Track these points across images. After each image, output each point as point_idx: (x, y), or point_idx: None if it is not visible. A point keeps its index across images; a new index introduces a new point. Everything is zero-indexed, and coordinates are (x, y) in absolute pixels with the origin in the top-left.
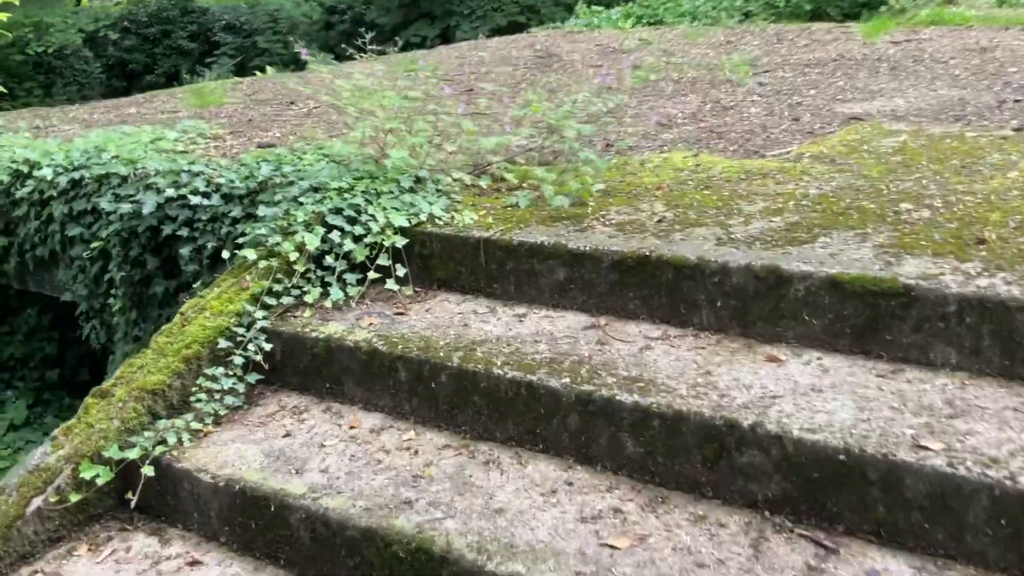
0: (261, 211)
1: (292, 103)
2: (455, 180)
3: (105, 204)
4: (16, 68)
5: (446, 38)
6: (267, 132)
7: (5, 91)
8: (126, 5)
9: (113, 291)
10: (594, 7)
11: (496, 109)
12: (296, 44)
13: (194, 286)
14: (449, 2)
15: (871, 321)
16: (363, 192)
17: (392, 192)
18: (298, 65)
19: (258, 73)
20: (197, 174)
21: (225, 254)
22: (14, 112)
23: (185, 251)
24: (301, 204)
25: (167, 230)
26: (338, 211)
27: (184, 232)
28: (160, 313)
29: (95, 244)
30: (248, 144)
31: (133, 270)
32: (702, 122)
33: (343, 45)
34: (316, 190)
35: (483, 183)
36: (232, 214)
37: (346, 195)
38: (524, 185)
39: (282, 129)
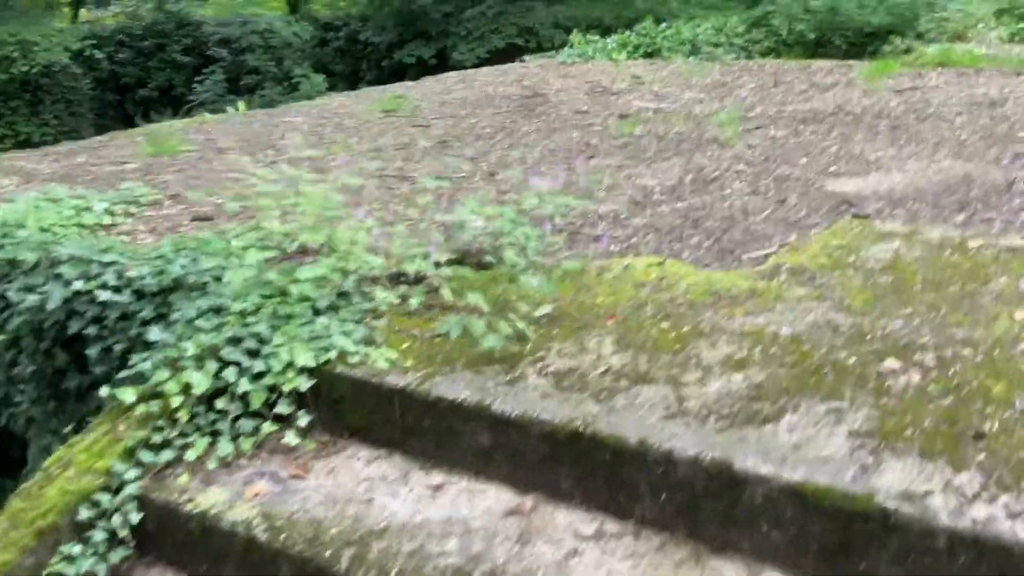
0: (152, 335)
1: (253, 153)
2: (382, 297)
3: (12, 294)
4: (3, 86)
5: (442, 58)
6: (211, 196)
7: None
8: (122, 18)
9: (23, 385)
10: (590, 36)
11: (465, 170)
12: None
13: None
14: (446, 22)
15: (842, 543)
16: (270, 316)
17: (304, 316)
18: (290, 83)
19: (231, 109)
20: (109, 264)
21: (134, 358)
22: None
23: (93, 352)
24: (197, 329)
25: (74, 327)
26: (237, 341)
27: (92, 331)
28: (77, 407)
29: (2, 336)
30: (185, 214)
31: (45, 362)
32: (679, 201)
33: (337, 62)
34: (217, 311)
35: (415, 299)
36: (142, 314)
37: (250, 319)
38: (460, 305)
39: (230, 189)
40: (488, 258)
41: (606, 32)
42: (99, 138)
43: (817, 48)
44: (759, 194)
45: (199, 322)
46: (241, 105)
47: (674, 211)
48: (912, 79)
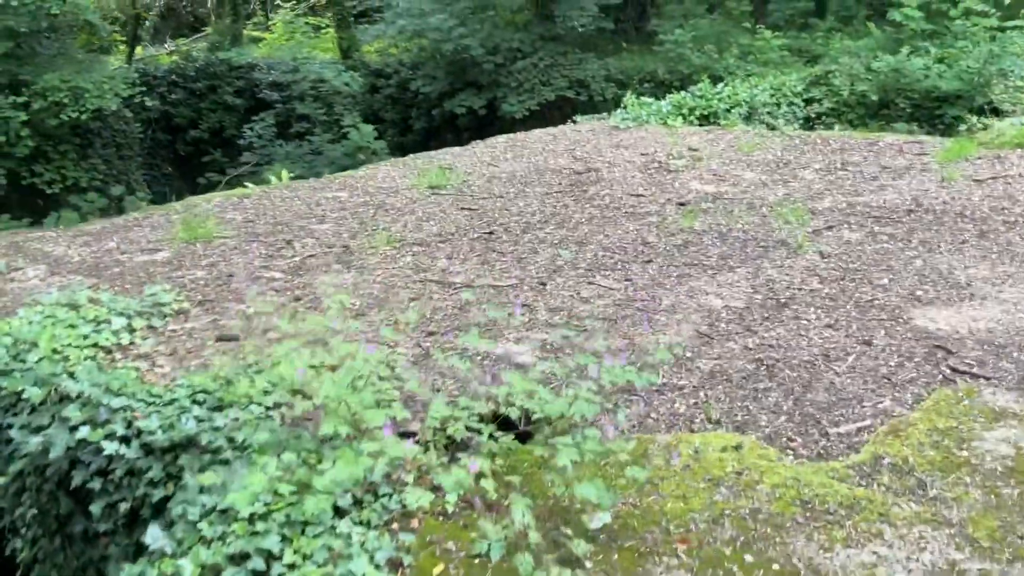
0: (150, 537)
1: (290, 241)
2: (414, 496)
3: (15, 433)
4: (52, 131)
5: (492, 108)
6: (241, 302)
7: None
8: (176, 57)
9: (26, 525)
10: (643, 98)
11: (514, 276)
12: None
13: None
14: (497, 73)
15: None
16: (283, 523)
17: (322, 521)
18: (339, 130)
19: (273, 178)
20: (118, 411)
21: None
22: None
23: (97, 508)
24: (199, 534)
25: (78, 478)
26: (242, 558)
27: (97, 484)
28: (84, 549)
29: (2, 479)
30: (210, 330)
31: (48, 503)
32: (750, 334)
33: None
34: (223, 512)
35: (452, 495)
36: (150, 474)
37: (259, 525)
38: (504, 505)
39: (264, 294)
40: (537, 416)
41: (659, 86)
42: (134, 215)
43: (880, 110)
44: (840, 328)
45: (202, 525)
46: (284, 174)
47: (745, 350)
48: (992, 164)
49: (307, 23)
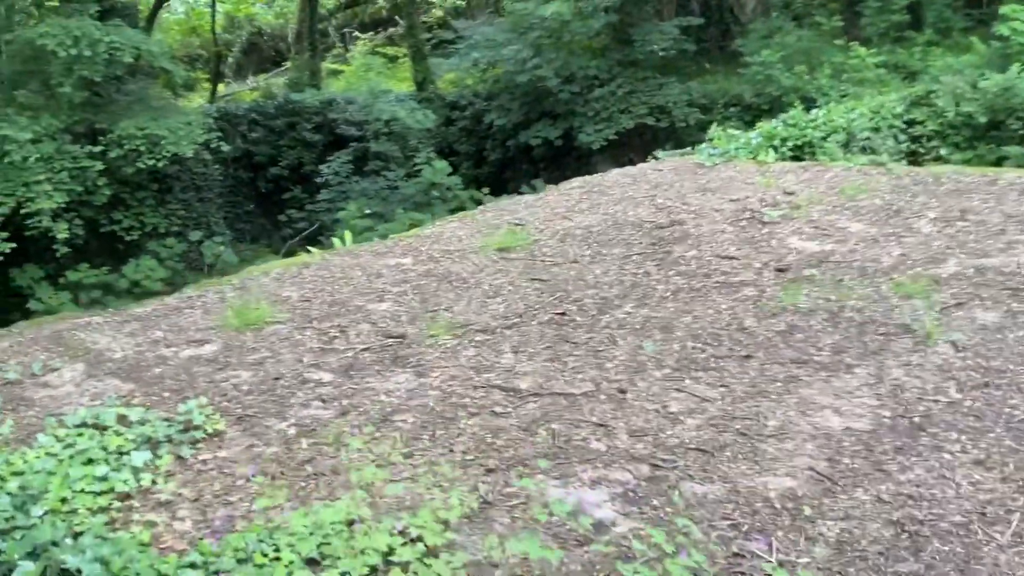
0: None
1: (344, 329)
2: None
3: None
4: (130, 177)
5: (568, 138)
6: (283, 417)
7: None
8: (257, 94)
9: None
10: (731, 130)
11: (588, 379)
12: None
13: None
14: (573, 102)
15: None
16: None
17: None
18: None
19: (337, 242)
20: None
21: None
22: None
23: None
24: None
25: None
26: None
27: None
28: None
29: None
30: (245, 459)
31: None
32: (881, 476)
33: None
34: None
35: None
36: None
37: None
38: None
39: (308, 406)
40: None
41: (746, 110)
42: (188, 292)
43: (988, 131)
44: (993, 466)
45: None
46: (348, 236)
47: (878, 504)
48: None
49: (384, 54)
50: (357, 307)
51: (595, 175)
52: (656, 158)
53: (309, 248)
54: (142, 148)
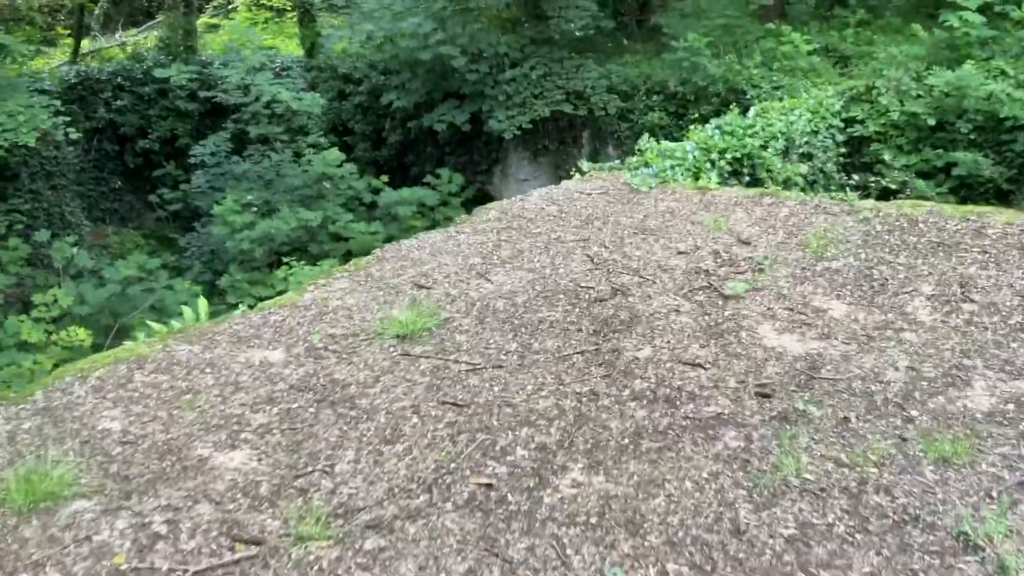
0: None
1: (174, 523)
2: None
3: None
4: None
5: (477, 122)
6: None
7: None
8: (121, 59)
9: None
10: (664, 143)
11: None
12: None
13: None
14: (482, 83)
15: None
16: None
17: None
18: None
19: (187, 314)
20: None
21: None
22: None
23: None
24: None
25: None
26: None
27: None
28: None
29: None
30: None
31: None
32: None
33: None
34: None
35: None
36: None
37: None
38: None
39: None
40: None
41: (670, 99)
42: None
43: (934, 133)
44: None
45: None
46: (202, 306)
47: None
48: None
49: (269, 6)
50: (199, 462)
51: (515, 200)
52: (581, 171)
53: (148, 324)
54: None
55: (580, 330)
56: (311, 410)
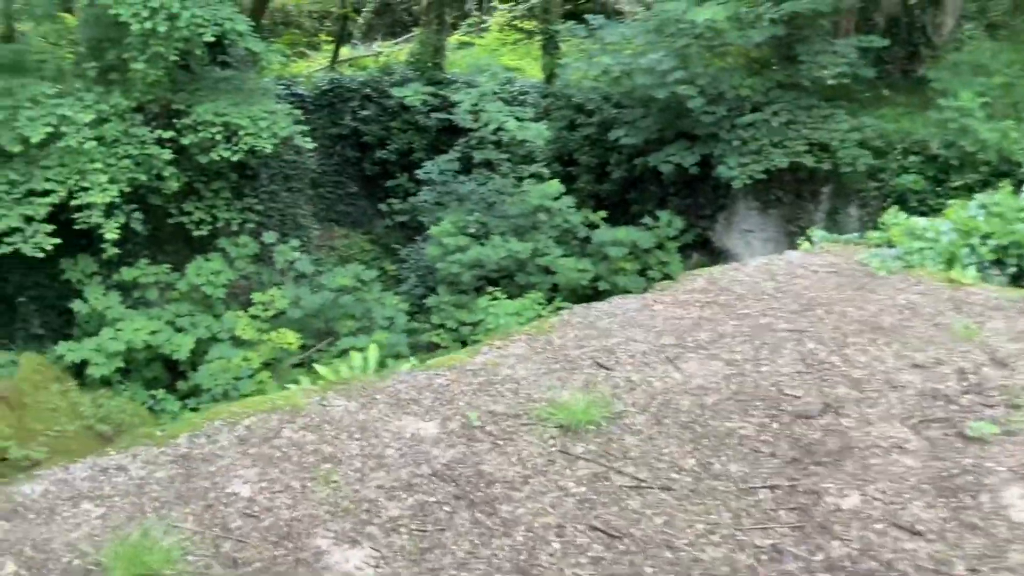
0: None
1: None
2: None
3: None
4: (206, 165)
5: (706, 166)
6: None
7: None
8: (370, 69)
9: None
10: (914, 219)
11: None
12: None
13: None
14: (717, 125)
15: None
16: None
17: None
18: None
19: (356, 360)
20: None
21: None
22: None
23: None
24: None
25: None
26: None
27: None
28: None
29: None
30: None
31: None
32: None
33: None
34: None
35: None
36: None
37: None
38: None
39: None
40: None
41: (930, 163)
42: (111, 456)
43: None
44: None
45: None
46: (372, 352)
47: None
48: None
49: (521, 29)
50: (314, 556)
51: (726, 270)
52: (811, 240)
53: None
54: (218, 137)
55: (774, 455)
56: (447, 508)
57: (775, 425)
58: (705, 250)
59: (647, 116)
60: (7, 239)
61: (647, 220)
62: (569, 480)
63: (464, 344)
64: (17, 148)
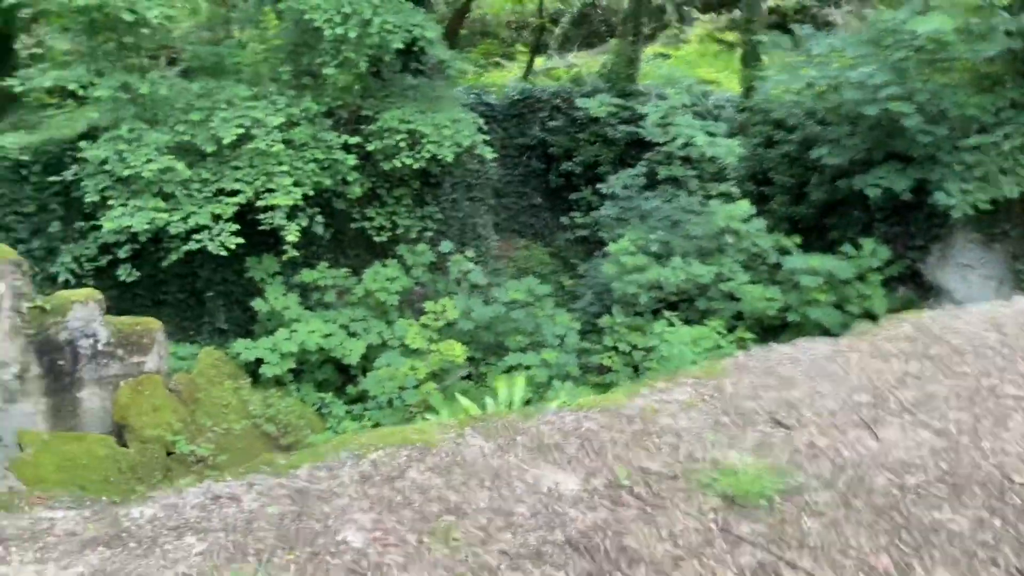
0: None
1: None
2: None
3: None
4: (390, 172)
5: (920, 191)
6: None
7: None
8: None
9: None
10: None
11: None
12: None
13: None
14: (936, 148)
15: None
16: None
17: None
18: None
19: (501, 396)
20: None
21: None
22: None
23: None
24: None
25: None
26: None
27: None
28: None
29: None
30: None
31: None
32: None
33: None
34: None
35: None
36: None
37: None
38: None
39: None
40: None
41: None
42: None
43: None
44: None
45: None
46: (519, 387)
47: None
48: None
49: (723, 40)
50: None
51: (939, 315)
52: None
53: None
54: (402, 144)
55: (996, 562)
56: None
57: (997, 522)
58: (914, 284)
59: (854, 134)
60: (195, 236)
61: (847, 248)
62: (729, 569)
63: (636, 370)
64: (211, 148)
